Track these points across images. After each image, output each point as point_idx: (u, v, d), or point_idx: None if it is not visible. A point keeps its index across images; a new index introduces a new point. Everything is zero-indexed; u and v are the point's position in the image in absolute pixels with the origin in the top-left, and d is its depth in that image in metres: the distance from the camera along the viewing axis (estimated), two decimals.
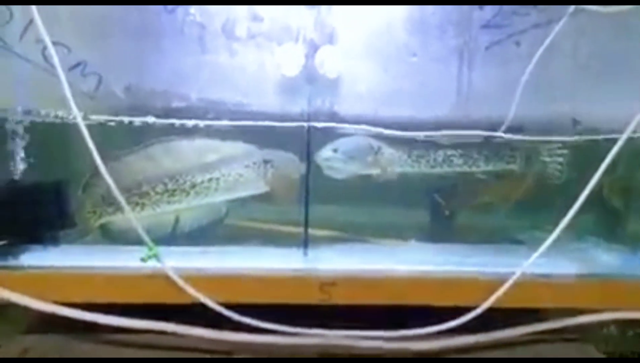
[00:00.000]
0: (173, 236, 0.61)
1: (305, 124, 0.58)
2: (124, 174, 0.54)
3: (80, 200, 0.60)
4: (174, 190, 0.61)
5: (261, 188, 0.62)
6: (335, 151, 0.60)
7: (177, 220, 0.62)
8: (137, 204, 0.60)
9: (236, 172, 0.61)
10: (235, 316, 0.51)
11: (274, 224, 0.65)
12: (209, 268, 0.55)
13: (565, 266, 0.60)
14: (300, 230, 0.60)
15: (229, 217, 0.64)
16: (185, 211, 0.62)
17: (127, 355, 0.58)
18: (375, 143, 0.61)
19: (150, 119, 0.56)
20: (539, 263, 0.55)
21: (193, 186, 0.61)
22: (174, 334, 0.54)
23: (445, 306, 0.55)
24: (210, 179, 0.61)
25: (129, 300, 0.52)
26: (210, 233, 0.62)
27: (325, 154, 0.61)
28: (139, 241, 0.49)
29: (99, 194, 0.60)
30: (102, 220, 0.62)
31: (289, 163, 0.61)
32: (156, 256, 0.48)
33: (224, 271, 0.55)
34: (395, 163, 0.62)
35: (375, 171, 0.62)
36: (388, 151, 0.61)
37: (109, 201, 0.60)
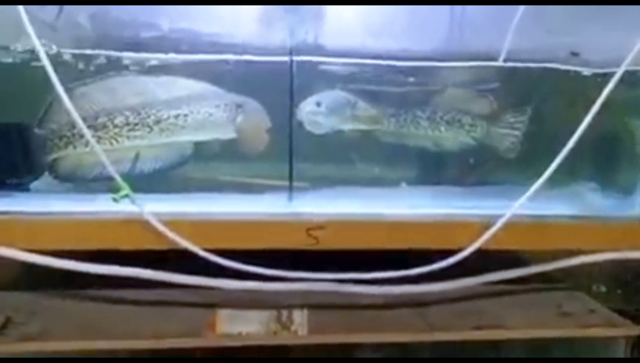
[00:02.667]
0: (130, 175, 0.54)
1: (287, 58, 0.54)
2: (78, 103, 0.47)
3: (39, 140, 0.54)
4: (136, 124, 0.55)
5: (229, 133, 0.58)
6: (318, 105, 0.58)
7: (136, 157, 0.56)
8: (92, 137, 0.53)
9: (206, 110, 0.56)
10: (220, 260, 0.49)
11: (250, 178, 0.62)
12: (189, 212, 0.52)
13: (558, 208, 0.59)
14: (281, 182, 0.58)
15: (200, 169, 0.59)
16: (147, 149, 0.57)
17: (103, 310, 0.57)
18: (352, 98, 0.59)
19: (126, 54, 0.51)
20: (532, 205, 0.53)
21: (158, 121, 0.56)
22: (154, 287, 0.52)
23: (435, 249, 0.54)
24: (177, 116, 0.56)
25: (103, 247, 0.49)
26: (173, 175, 0.58)
27: (309, 108, 0.58)
28: (95, 180, 0.45)
29: (51, 128, 0.54)
30: (54, 155, 0.55)
31: (258, 112, 0.58)
32: (129, 196, 0.45)
33: (203, 216, 0.52)
34: (370, 120, 0.60)
35: (352, 127, 0.60)
36: (363, 107, 0.60)
37: (59, 134, 0.54)
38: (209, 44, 0.53)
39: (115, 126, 0.55)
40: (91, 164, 0.52)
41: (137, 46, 0.51)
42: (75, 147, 0.55)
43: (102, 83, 0.53)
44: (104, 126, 0.55)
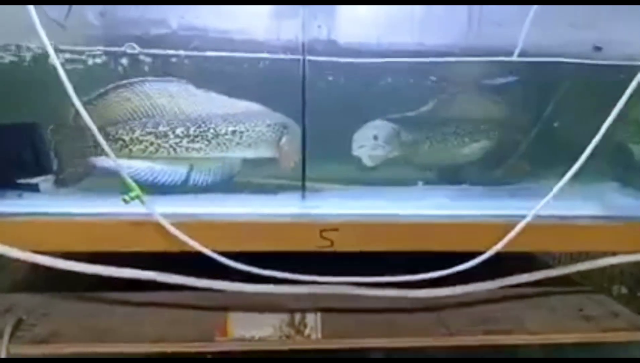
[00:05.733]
0: (184, 187, 0.57)
1: (299, 57, 0.52)
2: (132, 106, 0.49)
3: (62, 142, 0.53)
4: (196, 136, 0.56)
5: (273, 152, 0.59)
6: (376, 138, 0.59)
7: (191, 169, 0.57)
8: (151, 144, 0.55)
9: (259, 129, 0.57)
10: (232, 263, 0.48)
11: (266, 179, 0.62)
12: (201, 214, 0.51)
13: (581, 209, 0.57)
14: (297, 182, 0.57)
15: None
16: (200, 162, 0.57)
17: (113, 313, 0.56)
18: (396, 127, 0.61)
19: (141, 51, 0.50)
20: (555, 206, 0.51)
21: (216, 135, 0.56)
22: (165, 289, 0.51)
23: (455, 251, 0.52)
24: (234, 132, 0.57)
25: (114, 249, 0.49)
26: (219, 190, 0.58)
27: (367, 142, 0.59)
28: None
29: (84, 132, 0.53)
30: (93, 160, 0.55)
31: (298, 134, 0.58)
32: (139, 198, 0.44)
33: (216, 217, 0.51)
34: (411, 144, 0.62)
35: (397, 154, 0.62)
36: (404, 133, 0.61)
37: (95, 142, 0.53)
38: (218, 40, 0.52)
39: (176, 136, 0.55)
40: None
41: (146, 43, 0.50)
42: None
43: (159, 85, 0.53)
44: (165, 135, 0.55)
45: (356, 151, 0.59)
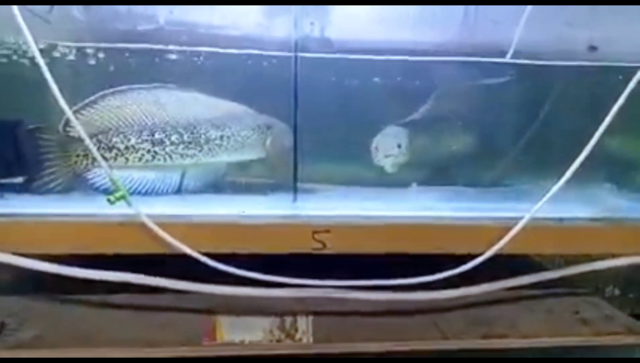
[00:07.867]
0: (178, 193, 0.57)
1: (291, 54, 0.51)
2: (124, 114, 0.49)
3: (51, 144, 0.52)
4: (189, 143, 0.56)
5: (260, 153, 0.59)
6: (399, 146, 0.60)
7: (183, 176, 0.57)
8: (147, 151, 0.55)
9: (245, 132, 0.58)
10: (220, 266, 0.47)
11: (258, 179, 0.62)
12: (189, 215, 0.50)
13: (577, 211, 0.56)
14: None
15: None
16: (191, 167, 0.57)
17: (98, 316, 0.55)
18: (408, 131, 0.62)
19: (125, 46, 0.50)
20: (550, 208, 0.51)
21: (207, 141, 0.57)
22: (151, 292, 0.50)
23: (450, 254, 0.51)
24: (222, 137, 0.57)
25: (98, 251, 0.47)
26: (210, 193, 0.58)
27: (392, 151, 0.60)
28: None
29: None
30: (90, 166, 0.55)
31: (285, 133, 0.58)
32: (125, 198, 0.43)
33: (205, 218, 0.50)
34: (422, 147, 0.63)
35: (409, 158, 0.62)
36: (416, 138, 0.62)
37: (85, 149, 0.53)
38: (204, 35, 0.51)
39: (172, 143, 0.56)
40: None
41: (132, 39, 0.49)
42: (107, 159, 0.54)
43: (147, 93, 0.53)
44: (162, 142, 0.55)
45: (382, 161, 0.60)
